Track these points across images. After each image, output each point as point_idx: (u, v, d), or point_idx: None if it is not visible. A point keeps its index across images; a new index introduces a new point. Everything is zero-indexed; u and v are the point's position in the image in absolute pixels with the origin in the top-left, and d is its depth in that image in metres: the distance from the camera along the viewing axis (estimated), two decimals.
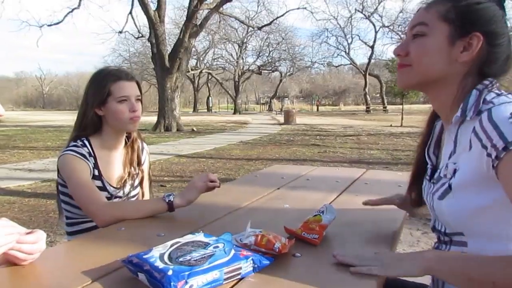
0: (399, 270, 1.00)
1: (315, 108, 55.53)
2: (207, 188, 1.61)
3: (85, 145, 1.74)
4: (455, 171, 1.02)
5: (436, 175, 1.11)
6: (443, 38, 1.03)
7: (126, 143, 1.89)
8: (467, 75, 1.03)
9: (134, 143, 1.91)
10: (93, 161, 1.73)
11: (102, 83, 1.74)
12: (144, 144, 2.00)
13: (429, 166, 1.19)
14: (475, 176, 0.97)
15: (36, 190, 6.10)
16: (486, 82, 1.02)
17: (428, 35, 1.04)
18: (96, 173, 1.74)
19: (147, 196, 1.99)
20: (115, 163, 1.83)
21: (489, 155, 0.92)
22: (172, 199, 1.55)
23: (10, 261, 1.08)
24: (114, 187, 1.79)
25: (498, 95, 0.98)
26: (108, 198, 1.75)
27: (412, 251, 1.06)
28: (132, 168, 1.88)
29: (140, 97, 1.81)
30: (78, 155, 1.68)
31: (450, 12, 1.03)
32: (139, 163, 1.91)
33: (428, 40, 1.04)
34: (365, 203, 1.54)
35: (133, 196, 1.88)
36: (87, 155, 1.71)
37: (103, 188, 1.75)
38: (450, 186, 1.03)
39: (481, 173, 0.95)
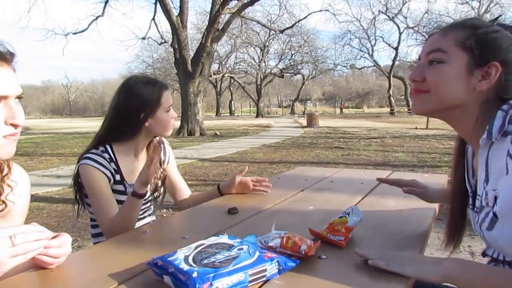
0: (418, 273, 0.97)
1: (338, 110, 55.16)
2: (152, 160, 1.58)
3: (106, 151, 1.76)
4: (495, 198, 0.98)
5: (477, 204, 1.08)
6: (462, 66, 1.01)
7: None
8: (485, 102, 1.02)
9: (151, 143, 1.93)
10: (114, 167, 1.75)
11: (155, 94, 1.77)
12: (165, 143, 2.02)
13: (469, 193, 1.16)
14: None
15: (64, 196, 6.21)
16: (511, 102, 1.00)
17: (446, 63, 1.02)
18: (118, 178, 1.76)
19: (186, 189, 2.10)
20: (138, 167, 1.84)
21: None
22: (131, 189, 1.60)
23: (38, 265, 1.09)
24: None
25: None
26: None
27: (435, 256, 1.03)
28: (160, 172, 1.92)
29: None
30: (96, 164, 1.70)
31: (469, 40, 1.01)
32: (161, 164, 1.93)
33: (446, 68, 1.02)
34: (379, 180, 1.63)
35: (158, 197, 1.91)
36: (108, 161, 1.73)
37: (124, 192, 1.77)
38: (495, 215, 0.99)
39: None
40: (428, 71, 1.05)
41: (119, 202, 1.71)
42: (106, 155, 1.75)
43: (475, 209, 1.10)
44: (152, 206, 1.94)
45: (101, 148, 1.76)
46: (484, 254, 1.13)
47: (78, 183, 1.76)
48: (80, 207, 1.83)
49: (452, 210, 1.22)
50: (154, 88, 1.79)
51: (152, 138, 1.90)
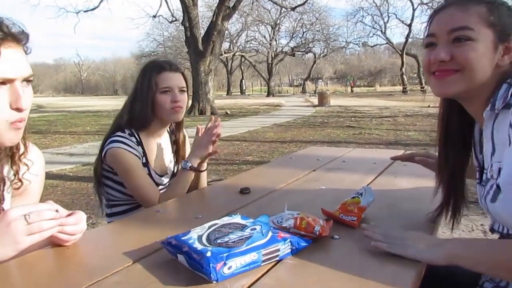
0: (421, 255, 0.97)
1: (349, 89, 54.65)
2: (211, 142, 1.74)
3: (133, 134, 1.79)
4: (499, 170, 0.99)
5: (484, 177, 1.08)
6: (489, 43, 1.00)
7: (168, 132, 1.97)
8: (502, 77, 1.02)
9: (181, 133, 1.98)
10: (141, 150, 1.79)
11: (149, 75, 1.79)
12: (185, 131, 2.04)
13: (477, 168, 1.15)
14: None
15: (78, 174, 6.29)
16: None
17: (475, 40, 1.00)
18: (144, 160, 1.79)
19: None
20: (160, 152, 1.89)
21: None
22: (190, 165, 1.72)
23: (54, 242, 1.11)
24: (158, 175, 1.85)
25: None
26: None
27: (437, 238, 1.03)
28: (174, 157, 1.97)
29: (184, 88, 1.85)
30: (128, 147, 1.71)
31: (491, 16, 1.00)
32: (184, 155, 1.97)
33: (477, 46, 1.00)
34: (393, 158, 1.65)
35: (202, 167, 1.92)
36: (136, 144, 1.76)
37: (149, 175, 1.80)
38: (498, 186, 0.99)
39: None
40: (457, 49, 1.01)
41: None
42: (134, 139, 1.77)
43: (482, 183, 1.10)
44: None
45: (128, 132, 1.78)
46: (492, 230, 1.12)
47: (103, 167, 1.78)
48: (102, 196, 1.84)
49: (443, 180, 1.23)
50: (151, 69, 1.80)
51: (177, 124, 1.95)
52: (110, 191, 1.81)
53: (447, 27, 1.03)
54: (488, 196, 1.03)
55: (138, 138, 1.79)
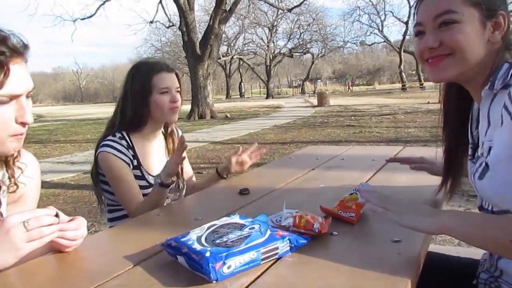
0: (414, 224, 0.98)
1: (347, 88, 54.66)
2: (179, 157, 1.63)
3: (123, 138, 1.78)
4: (490, 148, 1.00)
5: (476, 154, 1.09)
6: (476, 22, 1.01)
7: (163, 133, 1.96)
8: (496, 53, 1.02)
9: (173, 134, 1.97)
10: (132, 153, 1.78)
11: (146, 76, 1.78)
12: (179, 131, 2.04)
13: (470, 145, 1.16)
14: (508, 152, 0.93)
15: (79, 182, 6.30)
16: None
17: (461, 22, 1.00)
18: (136, 163, 1.79)
19: (194, 178, 2.12)
20: (153, 153, 1.88)
21: None
22: (159, 180, 1.62)
23: (55, 248, 1.12)
24: (152, 176, 1.84)
25: None
26: (147, 187, 1.80)
27: (432, 209, 1.03)
28: (169, 156, 1.95)
29: (179, 89, 1.86)
30: (116, 152, 1.72)
31: None
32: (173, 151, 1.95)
33: (464, 27, 1.00)
34: (388, 161, 1.69)
35: (172, 182, 1.90)
36: (126, 148, 1.76)
37: (141, 177, 1.80)
38: (487, 165, 1.00)
39: None
40: (445, 34, 1.02)
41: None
42: (124, 142, 1.77)
43: (473, 160, 1.11)
44: (181, 187, 1.97)
45: (119, 135, 1.78)
46: (480, 208, 1.13)
47: (98, 171, 1.79)
48: (101, 197, 1.85)
49: (448, 158, 1.24)
50: (147, 70, 1.79)
51: (163, 125, 1.92)
52: (108, 196, 1.82)
53: (432, 14, 1.03)
54: (477, 173, 1.04)
55: (129, 141, 1.79)
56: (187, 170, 2.10)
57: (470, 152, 1.15)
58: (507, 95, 0.94)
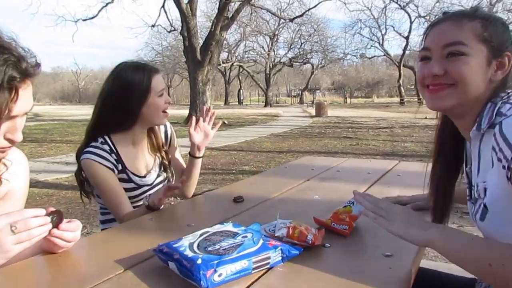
0: (402, 233, 0.99)
1: (347, 100, 54.82)
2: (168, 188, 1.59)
3: (105, 142, 1.73)
4: (485, 190, 1.00)
5: (473, 195, 1.09)
6: (483, 58, 1.01)
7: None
8: (493, 93, 1.02)
9: (154, 128, 1.91)
10: (115, 157, 1.73)
11: (144, 79, 1.73)
12: (167, 125, 1.99)
13: (466, 184, 1.17)
14: (504, 192, 0.94)
15: (73, 183, 6.21)
16: (502, 94, 1.01)
17: (469, 55, 1.01)
18: (120, 167, 1.74)
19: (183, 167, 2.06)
20: (139, 154, 1.84)
21: (504, 167, 0.90)
22: (147, 203, 1.58)
23: (46, 248, 1.11)
24: (139, 177, 1.80)
25: None
26: (135, 188, 1.77)
27: (423, 221, 1.04)
28: (157, 155, 1.90)
29: None
30: (98, 159, 1.67)
31: (486, 32, 1.01)
32: (161, 147, 1.92)
33: (471, 61, 1.00)
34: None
35: (161, 182, 1.89)
36: (109, 153, 1.71)
37: (128, 180, 1.76)
38: (486, 206, 1.01)
39: (506, 186, 0.92)
40: (451, 64, 1.02)
41: (125, 190, 1.72)
42: (106, 147, 1.72)
43: (471, 200, 1.11)
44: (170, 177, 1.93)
45: (100, 140, 1.73)
46: None
47: (82, 177, 1.76)
48: (89, 200, 1.83)
49: (436, 192, 1.24)
50: (144, 73, 1.74)
51: (149, 126, 1.87)
52: (99, 199, 1.79)
53: (442, 42, 1.03)
54: (477, 215, 1.05)
55: (111, 145, 1.74)
56: (180, 162, 2.06)
57: (467, 192, 1.15)
58: (493, 136, 0.94)
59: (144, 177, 1.83)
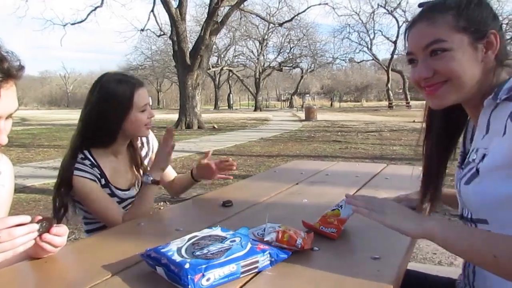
0: (397, 225, 1.00)
1: (336, 104, 55.10)
2: (171, 147, 1.65)
3: (86, 157, 1.69)
4: (484, 156, 1.00)
5: (466, 161, 1.09)
6: (467, 46, 1.01)
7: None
8: (490, 70, 1.03)
9: (133, 142, 1.87)
10: (98, 171, 1.69)
11: (126, 94, 1.68)
12: (150, 135, 1.96)
13: (460, 153, 1.18)
14: (505, 162, 0.94)
15: None
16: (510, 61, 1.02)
17: (452, 49, 1.01)
18: (104, 181, 1.71)
19: (172, 172, 2.07)
20: (121, 167, 1.80)
21: None
22: (151, 178, 1.64)
23: (30, 255, 1.10)
24: (123, 190, 1.77)
25: None
26: (119, 202, 1.73)
27: (418, 214, 1.04)
28: (136, 169, 1.87)
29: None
30: (81, 173, 1.63)
31: (460, 21, 1.01)
32: (140, 164, 1.88)
33: (456, 54, 1.01)
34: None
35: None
36: (90, 167, 1.66)
37: (111, 194, 1.73)
38: (477, 171, 1.01)
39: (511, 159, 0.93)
40: (437, 63, 1.02)
41: None
42: (87, 162, 1.67)
43: (462, 166, 1.12)
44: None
45: (80, 156, 1.68)
46: (461, 217, 1.14)
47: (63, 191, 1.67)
48: (73, 212, 1.75)
49: (428, 170, 1.25)
50: (127, 87, 1.69)
51: (131, 139, 1.83)
52: (82, 212, 1.75)
53: (421, 44, 1.04)
54: (464, 178, 1.05)
55: (92, 160, 1.70)
56: (170, 172, 2.05)
57: (459, 159, 1.17)
58: None
59: (128, 190, 1.79)
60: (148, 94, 1.80)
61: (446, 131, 1.21)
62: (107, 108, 1.66)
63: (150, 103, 1.80)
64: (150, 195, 1.67)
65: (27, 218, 1.02)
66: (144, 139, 1.95)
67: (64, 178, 1.63)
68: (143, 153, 1.93)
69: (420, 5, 1.10)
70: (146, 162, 1.93)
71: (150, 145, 1.99)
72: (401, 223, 0.99)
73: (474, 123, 1.13)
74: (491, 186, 0.97)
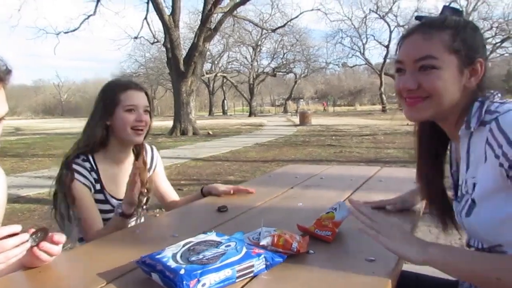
0: (401, 251, 1.00)
1: (328, 109, 55.26)
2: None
3: (87, 160, 1.71)
4: (474, 185, 1.02)
5: (459, 193, 1.11)
6: (454, 69, 1.03)
7: (134, 153, 1.88)
8: (470, 96, 1.05)
9: (141, 156, 1.86)
10: (95, 176, 1.71)
11: (112, 92, 1.74)
12: (154, 151, 1.99)
13: (451, 185, 1.19)
14: (495, 186, 0.96)
15: None
16: (488, 94, 1.04)
17: (440, 68, 1.03)
18: (98, 187, 1.72)
19: (175, 195, 2.06)
20: (120, 175, 1.80)
21: (501, 165, 0.93)
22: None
23: (24, 264, 1.09)
24: (117, 199, 1.76)
25: (502, 103, 1.00)
26: (111, 210, 1.72)
27: (421, 239, 1.05)
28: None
29: (148, 108, 1.79)
30: (77, 175, 1.65)
31: (455, 42, 1.03)
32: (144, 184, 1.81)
33: (442, 73, 1.02)
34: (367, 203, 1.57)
35: (134, 213, 1.74)
36: (88, 171, 1.69)
37: (104, 201, 1.73)
38: (473, 201, 1.03)
39: (500, 182, 0.95)
40: (424, 78, 1.04)
41: (100, 211, 1.70)
42: (87, 164, 1.70)
43: (457, 199, 1.13)
44: (140, 214, 1.83)
45: (82, 157, 1.71)
46: (468, 246, 1.15)
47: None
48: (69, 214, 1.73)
49: (427, 188, 1.26)
50: (116, 86, 1.76)
51: (132, 146, 1.83)
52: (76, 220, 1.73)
53: (413, 56, 1.05)
54: (463, 211, 1.06)
55: (92, 163, 1.72)
56: (167, 189, 2.04)
57: (452, 191, 1.18)
58: (488, 131, 0.96)
59: (121, 200, 1.77)
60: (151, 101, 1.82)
61: (434, 152, 1.23)
62: (96, 109, 1.75)
63: (147, 109, 1.78)
64: (117, 226, 1.56)
65: (18, 228, 1.00)
66: (148, 157, 1.93)
67: (64, 173, 1.67)
68: None
69: (417, 18, 1.11)
70: None
71: (153, 163, 1.98)
72: (405, 250, 0.99)
73: (452, 140, 1.16)
74: (492, 211, 0.99)
